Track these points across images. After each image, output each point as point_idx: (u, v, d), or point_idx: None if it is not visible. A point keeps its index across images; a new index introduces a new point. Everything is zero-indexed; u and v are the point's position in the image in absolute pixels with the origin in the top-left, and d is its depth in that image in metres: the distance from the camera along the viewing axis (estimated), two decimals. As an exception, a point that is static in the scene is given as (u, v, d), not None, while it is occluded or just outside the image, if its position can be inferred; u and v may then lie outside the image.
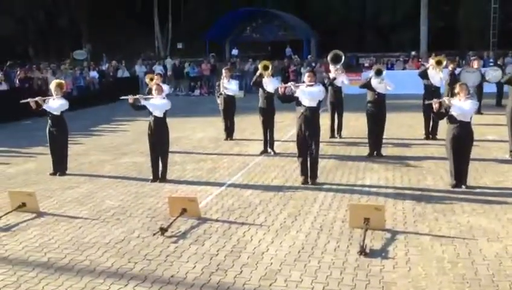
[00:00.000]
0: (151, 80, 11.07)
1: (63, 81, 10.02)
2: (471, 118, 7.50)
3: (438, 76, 11.02)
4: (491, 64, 19.51)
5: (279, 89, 8.32)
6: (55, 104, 9.04)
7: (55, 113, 9.04)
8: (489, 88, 15.96)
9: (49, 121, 9.13)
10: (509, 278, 4.68)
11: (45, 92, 11.32)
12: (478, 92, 14.27)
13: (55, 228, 6.42)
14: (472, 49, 25.75)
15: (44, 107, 9.02)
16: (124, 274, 5.01)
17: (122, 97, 8.85)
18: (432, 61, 11.25)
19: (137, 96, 8.64)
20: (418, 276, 4.78)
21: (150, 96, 8.70)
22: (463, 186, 7.50)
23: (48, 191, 8.12)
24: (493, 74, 14.64)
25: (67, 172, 9.23)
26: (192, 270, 5.04)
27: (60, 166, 9.20)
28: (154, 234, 6.02)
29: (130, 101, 8.43)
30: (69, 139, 9.58)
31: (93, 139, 13.21)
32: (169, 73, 26.61)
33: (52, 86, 9.32)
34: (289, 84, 8.29)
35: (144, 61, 28.31)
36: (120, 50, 34.70)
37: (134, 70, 26.05)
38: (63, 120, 9.17)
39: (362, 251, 5.27)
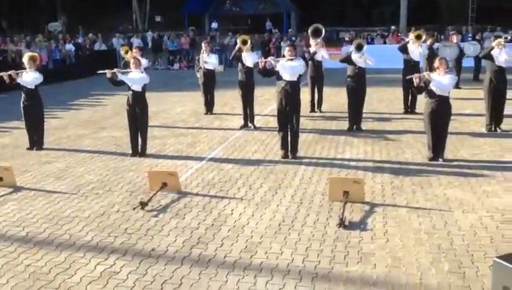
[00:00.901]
0: (126, 52, 10.86)
1: (36, 54, 9.76)
2: (449, 92, 7.59)
3: (417, 50, 11.08)
4: (470, 39, 19.68)
5: (260, 64, 8.26)
6: (29, 77, 8.83)
7: (29, 87, 8.84)
8: (468, 63, 16.12)
9: (23, 95, 8.94)
10: (484, 248, 4.81)
11: (19, 65, 11.03)
12: (457, 67, 14.41)
13: (33, 202, 6.35)
14: (451, 24, 25.90)
15: (18, 80, 8.81)
16: (104, 248, 5.00)
17: (100, 71, 8.66)
18: (411, 35, 11.28)
19: (114, 70, 8.44)
20: (396, 247, 4.88)
21: (127, 70, 8.53)
22: (440, 160, 7.63)
23: (24, 166, 8.00)
24: (471, 48, 14.77)
25: (45, 146, 9.09)
26: (173, 244, 5.06)
27: (36, 140, 9.05)
28: (134, 208, 6.00)
29: (108, 75, 8.25)
30: (46, 113, 9.43)
31: (72, 113, 13.00)
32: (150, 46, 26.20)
33: (25, 59, 9.07)
34: (269, 58, 8.23)
35: (121, 34, 27.73)
36: (96, 22, 33.94)
37: (111, 44, 25.53)
38: (37, 94, 8.97)
39: (341, 224, 5.35)
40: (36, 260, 4.76)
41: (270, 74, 8.07)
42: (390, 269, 4.46)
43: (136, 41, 24.65)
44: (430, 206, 5.90)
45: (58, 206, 6.19)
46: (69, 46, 22.08)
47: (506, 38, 9.89)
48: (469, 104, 12.06)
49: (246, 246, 4.97)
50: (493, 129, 9.47)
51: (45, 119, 9.43)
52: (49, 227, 5.54)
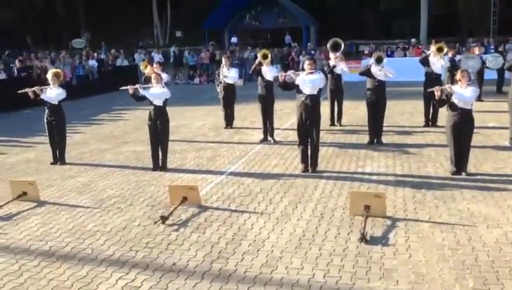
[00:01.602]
0: (146, 67, 11.01)
1: (60, 70, 9.97)
2: (471, 105, 7.49)
3: (439, 63, 10.98)
4: (492, 50, 19.44)
5: (279, 77, 8.29)
6: (53, 93, 9.01)
7: (52, 102, 9.02)
8: (490, 75, 15.91)
9: (47, 110, 9.11)
10: (509, 264, 4.70)
11: (44, 81, 11.28)
12: (478, 79, 14.22)
13: (56, 216, 6.44)
14: (472, 36, 25.65)
15: (42, 96, 9.00)
16: (125, 262, 5.03)
17: (122, 88, 8.82)
18: (433, 48, 11.19)
19: (136, 86, 8.58)
20: (419, 263, 4.80)
21: (149, 85, 8.65)
22: (463, 173, 7.51)
23: (48, 180, 8.13)
24: (494, 60, 14.57)
25: (68, 161, 9.23)
26: (193, 258, 5.06)
27: (59, 155, 9.21)
28: (155, 223, 6.04)
29: (130, 91, 8.39)
30: (69, 128, 9.59)
31: (94, 128, 13.20)
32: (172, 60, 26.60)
33: (49, 75, 9.28)
34: (289, 72, 8.26)
35: (143, 50, 28.17)
36: (119, 38, 34.57)
37: (133, 59, 25.94)
38: (60, 109, 9.14)
39: (363, 238, 5.29)
40: (59, 275, 4.81)
41: (290, 88, 8.08)
42: (413, 286, 4.38)
43: (156, 56, 24.99)
44: (454, 221, 5.80)
45: (80, 221, 6.27)
46: (92, 62, 22.50)
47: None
48: (492, 117, 11.88)
49: (267, 261, 4.95)
50: (517, 142, 9.29)
51: (68, 134, 9.61)
52: (72, 241, 5.61)
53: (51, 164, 9.17)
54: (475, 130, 7.69)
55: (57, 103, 9.05)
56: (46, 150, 9.65)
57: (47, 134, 9.24)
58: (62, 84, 9.36)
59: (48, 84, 9.16)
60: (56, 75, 9.21)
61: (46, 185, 7.82)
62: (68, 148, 9.56)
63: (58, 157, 9.20)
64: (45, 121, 9.16)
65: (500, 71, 15.23)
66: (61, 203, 6.99)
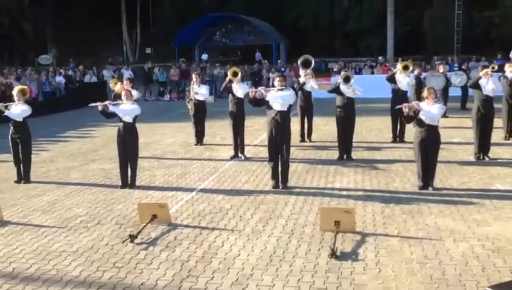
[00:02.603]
0: (116, 84, 10.91)
1: (25, 87, 9.77)
2: (438, 122, 7.67)
3: (405, 80, 11.25)
4: (456, 68, 20.04)
5: (250, 93, 8.33)
6: (17, 110, 8.82)
7: (17, 119, 8.82)
8: (454, 92, 16.35)
9: (12, 127, 8.90)
10: (476, 277, 4.78)
11: (9, 98, 11.01)
12: (443, 96, 14.60)
13: (20, 237, 6.24)
14: (437, 54, 26.37)
15: (6, 113, 8.78)
16: (92, 283, 4.90)
17: (91, 104, 8.67)
18: (399, 66, 11.47)
19: (106, 102, 8.46)
20: (388, 277, 4.84)
21: (119, 101, 8.54)
22: (430, 188, 7.65)
23: (12, 200, 7.89)
24: (459, 78, 15.01)
25: (33, 179, 8.99)
26: (162, 277, 4.97)
27: (24, 173, 8.96)
28: (123, 241, 5.92)
29: (100, 108, 8.25)
30: (35, 145, 9.36)
31: (60, 145, 12.92)
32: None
33: (15, 91, 9.10)
34: (259, 88, 8.32)
35: (111, 66, 27.86)
36: (87, 55, 34.18)
37: (102, 75, 25.62)
38: (26, 126, 8.94)
39: (333, 254, 5.31)
40: (22, 297, 4.66)
41: (261, 104, 8.14)
42: (383, 301, 4.41)
43: (126, 72, 24.77)
44: (421, 235, 5.88)
45: (45, 241, 6.09)
46: (59, 78, 22.13)
47: (493, 68, 10.07)
48: (457, 133, 12.18)
49: (237, 279, 4.90)
50: (481, 157, 9.54)
51: (35, 152, 9.39)
52: (36, 262, 5.44)
53: (15, 182, 8.91)
54: (441, 146, 7.87)
55: (21, 120, 8.85)
56: (11, 168, 9.38)
57: (12, 151, 8.99)
58: (28, 101, 9.16)
59: (13, 101, 8.95)
60: (22, 91, 9.03)
61: (9, 205, 7.58)
62: (34, 166, 9.32)
63: (23, 176, 8.96)
64: (10, 138, 8.93)
65: (464, 88, 15.67)
66: (25, 223, 6.78)
